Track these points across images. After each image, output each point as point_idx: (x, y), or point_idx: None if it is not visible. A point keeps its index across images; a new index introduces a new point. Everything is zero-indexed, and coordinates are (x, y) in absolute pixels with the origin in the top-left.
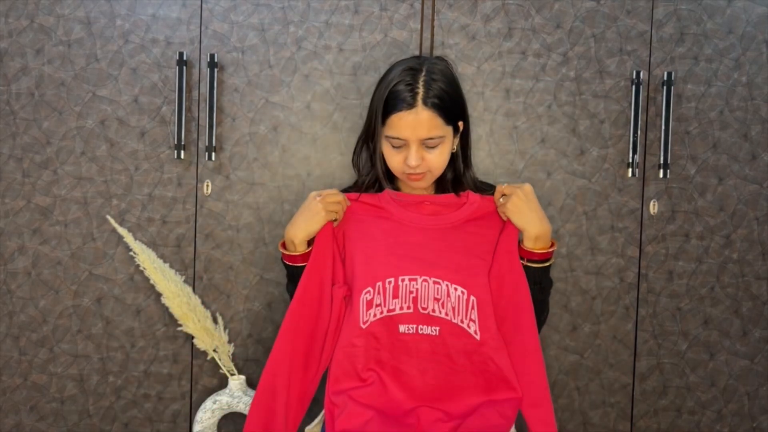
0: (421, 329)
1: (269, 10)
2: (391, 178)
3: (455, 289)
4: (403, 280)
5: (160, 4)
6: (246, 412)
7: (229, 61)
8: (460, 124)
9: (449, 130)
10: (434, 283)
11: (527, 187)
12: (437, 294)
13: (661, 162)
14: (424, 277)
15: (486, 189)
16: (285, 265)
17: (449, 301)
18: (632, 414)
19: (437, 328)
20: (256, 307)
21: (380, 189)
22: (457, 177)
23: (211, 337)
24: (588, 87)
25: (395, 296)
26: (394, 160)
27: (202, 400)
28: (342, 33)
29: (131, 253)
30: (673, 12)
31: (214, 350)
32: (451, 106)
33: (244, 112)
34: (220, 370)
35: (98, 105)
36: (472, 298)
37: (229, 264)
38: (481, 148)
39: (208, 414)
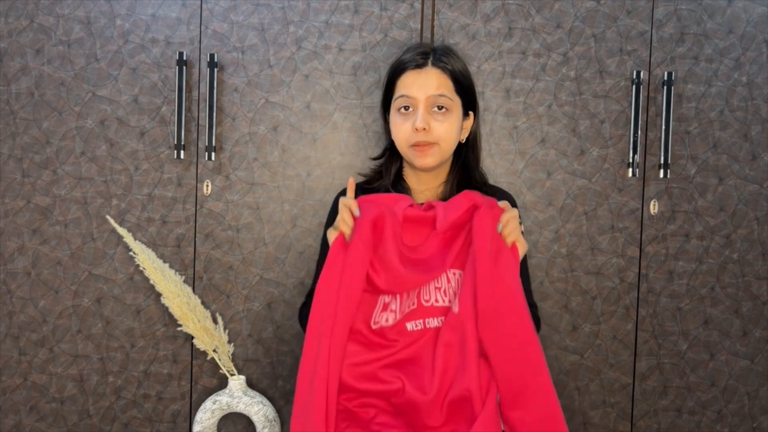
0: (428, 322)
1: (269, 9)
2: (399, 184)
3: (453, 274)
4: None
5: (160, 4)
6: (245, 412)
7: (228, 61)
8: (470, 114)
9: (458, 102)
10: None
11: (515, 212)
12: (438, 283)
13: (662, 162)
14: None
15: (491, 191)
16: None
17: (450, 287)
18: (632, 414)
19: (441, 318)
20: (256, 307)
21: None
22: (465, 173)
23: (210, 337)
24: (588, 87)
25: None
26: (402, 129)
27: (201, 400)
28: (342, 33)
29: (131, 253)
30: (674, 12)
31: (214, 350)
32: (461, 78)
33: (244, 112)
34: (220, 370)
35: (98, 105)
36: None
37: (229, 264)
38: (481, 148)
39: (207, 414)
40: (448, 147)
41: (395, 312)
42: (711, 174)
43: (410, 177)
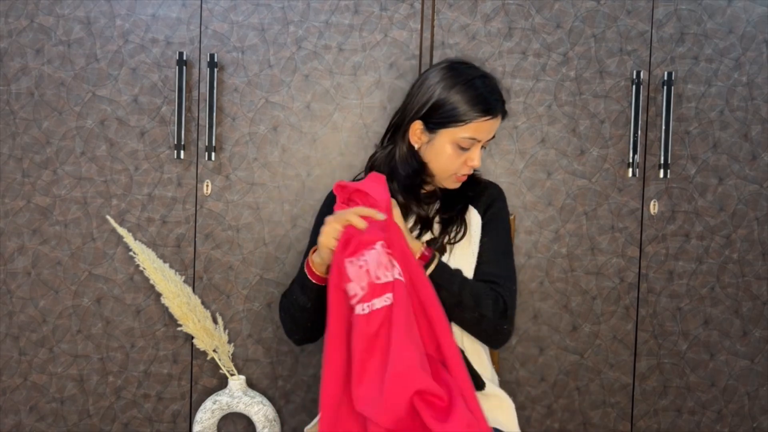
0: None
1: (269, 9)
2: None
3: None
4: None
5: (160, 4)
6: (245, 412)
7: (228, 61)
8: None
9: None
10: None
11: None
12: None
13: (662, 162)
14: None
15: (483, 184)
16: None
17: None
18: (632, 414)
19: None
20: (256, 307)
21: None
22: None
23: (210, 337)
24: (588, 87)
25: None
26: (457, 161)
27: (201, 400)
28: (342, 33)
29: (131, 253)
30: (674, 12)
31: (214, 350)
32: None
33: (244, 112)
34: (220, 370)
35: (98, 105)
36: None
37: (228, 264)
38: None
39: (207, 414)
40: None
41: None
42: (711, 174)
43: None
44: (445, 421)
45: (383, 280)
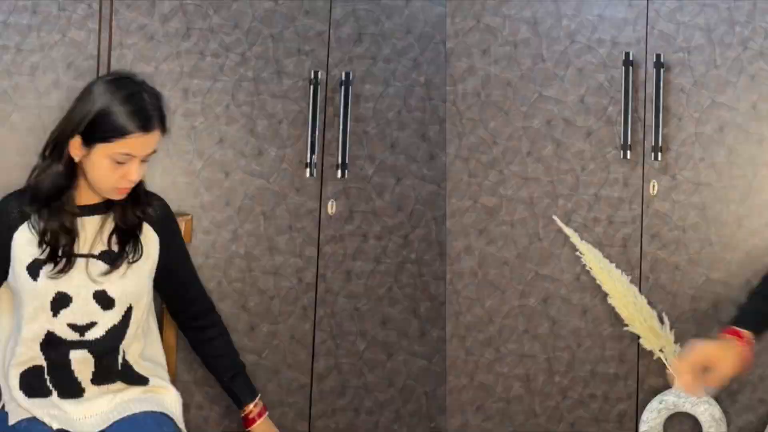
0: None
1: (715, 10)
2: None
3: None
4: None
5: (606, 5)
6: (692, 412)
7: (674, 62)
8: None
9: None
10: None
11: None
12: None
13: (339, 162)
14: None
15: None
16: None
17: None
18: (310, 414)
19: None
20: (703, 307)
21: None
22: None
23: (657, 337)
24: (266, 87)
25: None
26: (114, 174)
27: (647, 400)
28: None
29: (577, 253)
30: (351, 12)
31: (660, 350)
32: None
33: (690, 113)
34: (667, 370)
35: (544, 105)
36: None
37: (675, 264)
38: (158, 148)
39: (654, 414)
40: None
41: None
42: (389, 174)
43: None
44: None
45: None
